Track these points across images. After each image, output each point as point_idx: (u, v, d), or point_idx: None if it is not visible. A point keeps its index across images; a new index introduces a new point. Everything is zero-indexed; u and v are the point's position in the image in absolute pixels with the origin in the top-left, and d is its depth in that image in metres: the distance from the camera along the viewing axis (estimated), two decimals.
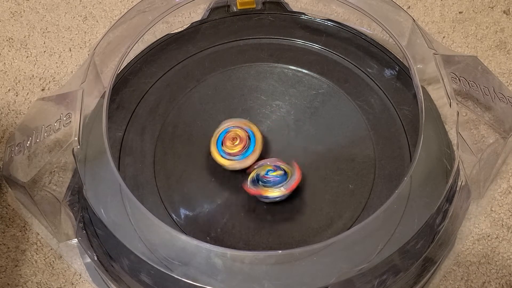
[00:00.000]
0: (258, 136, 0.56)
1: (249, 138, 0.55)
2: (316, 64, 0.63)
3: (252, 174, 0.53)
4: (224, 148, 0.55)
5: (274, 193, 0.53)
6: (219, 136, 0.56)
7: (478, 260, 0.57)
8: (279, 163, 0.54)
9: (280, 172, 0.53)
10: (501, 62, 0.70)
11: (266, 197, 0.53)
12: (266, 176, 0.53)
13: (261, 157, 0.55)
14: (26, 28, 0.74)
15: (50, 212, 0.55)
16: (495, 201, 0.61)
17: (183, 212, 0.54)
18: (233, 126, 0.56)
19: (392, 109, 0.60)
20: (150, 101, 0.61)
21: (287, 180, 0.53)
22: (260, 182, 0.53)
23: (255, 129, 0.56)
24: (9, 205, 0.61)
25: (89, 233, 0.53)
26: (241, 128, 0.56)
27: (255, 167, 0.54)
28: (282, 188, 0.53)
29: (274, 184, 0.53)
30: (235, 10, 0.68)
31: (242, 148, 0.54)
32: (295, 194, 0.55)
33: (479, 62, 0.61)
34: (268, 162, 0.54)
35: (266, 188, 0.53)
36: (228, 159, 0.55)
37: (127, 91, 0.62)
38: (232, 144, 0.54)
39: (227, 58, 0.64)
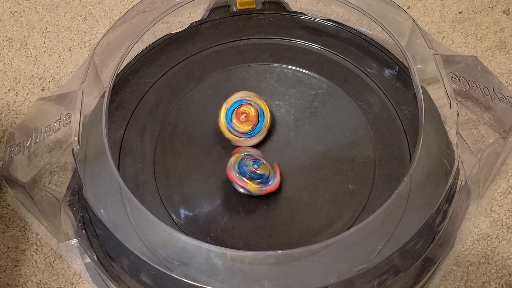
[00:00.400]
0: (267, 117, 0.56)
1: (258, 118, 0.56)
2: (316, 64, 0.63)
3: (236, 159, 0.53)
4: (232, 123, 0.56)
5: (252, 188, 0.53)
6: (229, 108, 0.56)
7: (478, 260, 0.57)
8: (263, 160, 0.54)
9: (264, 170, 0.53)
10: (501, 62, 0.70)
11: (243, 188, 0.53)
12: (252, 169, 0.53)
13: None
14: (26, 28, 0.74)
15: (50, 212, 0.55)
16: (495, 201, 0.61)
17: (183, 212, 0.54)
18: (244, 100, 0.56)
19: (392, 109, 0.60)
20: (150, 101, 0.61)
21: (267, 182, 0.53)
22: (242, 173, 0.53)
23: (264, 107, 0.57)
24: (9, 205, 0.61)
25: (89, 233, 0.53)
26: (251, 104, 0.56)
27: (241, 152, 0.54)
28: (260, 188, 0.53)
29: (255, 179, 0.53)
30: (235, 10, 0.68)
31: (250, 128, 0.55)
32: (295, 194, 0.55)
33: (479, 62, 0.61)
34: (255, 153, 0.55)
35: (246, 181, 0.53)
36: (235, 135, 0.56)
37: (127, 91, 0.62)
38: (240, 122, 0.56)
39: (227, 58, 0.64)
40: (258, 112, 0.56)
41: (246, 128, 0.56)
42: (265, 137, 0.57)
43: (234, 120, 0.56)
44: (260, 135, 0.56)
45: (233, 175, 0.53)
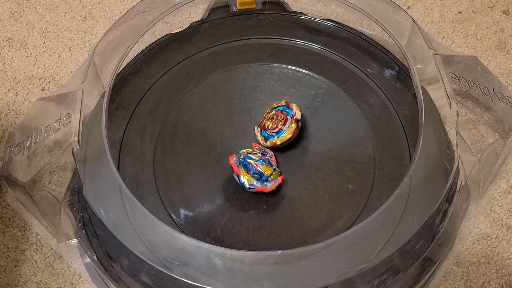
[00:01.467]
0: (291, 128, 0.56)
1: (285, 121, 0.56)
2: (316, 64, 0.63)
3: (245, 152, 0.54)
4: (264, 119, 0.57)
5: (245, 178, 0.53)
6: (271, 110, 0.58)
7: (477, 260, 0.57)
8: (273, 163, 0.54)
9: (265, 170, 0.53)
10: (500, 62, 0.70)
11: (239, 178, 0.53)
12: (255, 164, 0.53)
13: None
14: (26, 28, 0.74)
15: (50, 212, 0.55)
16: (494, 201, 0.61)
17: (183, 212, 0.54)
18: (281, 107, 0.57)
19: (392, 109, 0.60)
20: (150, 101, 0.61)
21: (263, 182, 0.53)
22: (244, 166, 0.53)
23: (297, 112, 0.57)
24: (9, 205, 0.61)
25: (89, 233, 0.53)
26: (283, 111, 0.57)
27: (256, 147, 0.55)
28: (254, 182, 0.53)
29: (255, 176, 0.53)
30: (235, 10, 0.68)
31: (276, 127, 0.56)
32: (295, 194, 0.55)
33: (479, 62, 0.61)
34: (267, 154, 0.55)
35: (246, 174, 0.53)
36: (264, 136, 0.56)
37: (127, 91, 0.62)
38: (270, 123, 0.56)
39: (227, 58, 0.64)
40: (286, 119, 0.56)
41: (273, 127, 0.56)
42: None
43: (267, 117, 0.57)
44: (278, 140, 0.56)
45: (234, 161, 0.54)
